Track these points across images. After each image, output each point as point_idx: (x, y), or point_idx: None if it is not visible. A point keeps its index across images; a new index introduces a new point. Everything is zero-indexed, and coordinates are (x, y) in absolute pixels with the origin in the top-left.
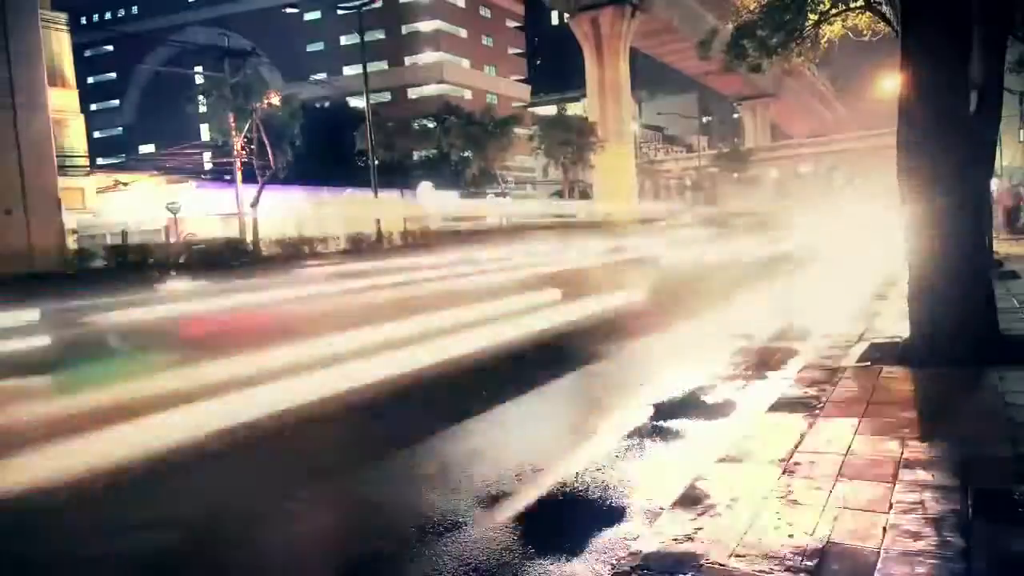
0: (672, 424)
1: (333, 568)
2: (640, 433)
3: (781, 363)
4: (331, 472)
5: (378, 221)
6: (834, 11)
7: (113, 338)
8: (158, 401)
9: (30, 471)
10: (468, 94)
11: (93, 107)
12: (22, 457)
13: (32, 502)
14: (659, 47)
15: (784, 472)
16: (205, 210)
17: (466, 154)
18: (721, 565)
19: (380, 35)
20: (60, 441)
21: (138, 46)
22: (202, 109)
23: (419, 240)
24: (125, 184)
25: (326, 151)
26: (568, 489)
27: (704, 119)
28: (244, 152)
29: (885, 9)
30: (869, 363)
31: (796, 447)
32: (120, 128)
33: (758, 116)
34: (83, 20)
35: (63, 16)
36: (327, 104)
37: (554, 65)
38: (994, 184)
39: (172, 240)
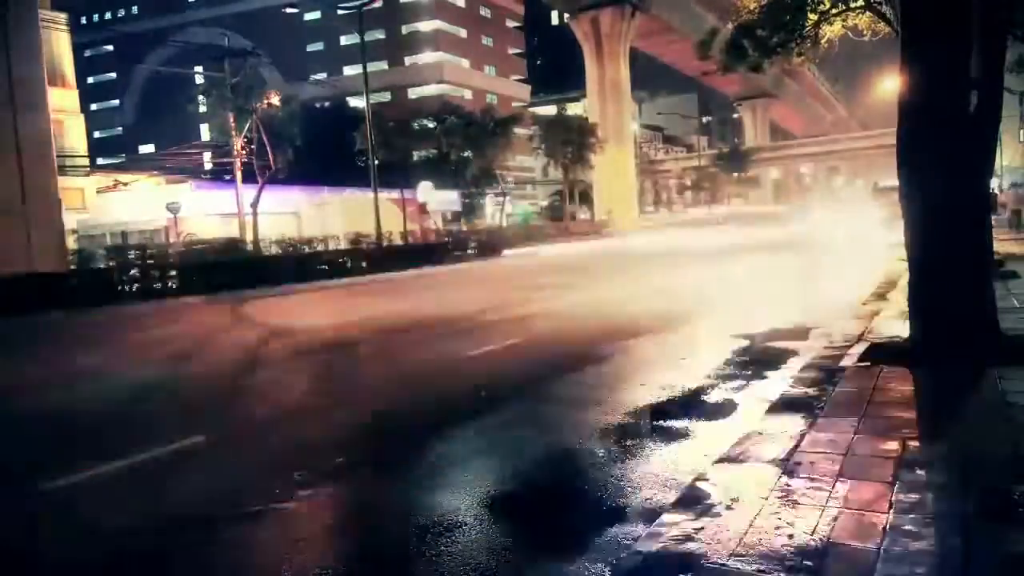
0: (672, 424)
1: None
2: (640, 433)
3: (781, 363)
4: None
5: (378, 221)
6: (834, 11)
7: None
8: None
9: None
10: (468, 94)
11: (93, 107)
12: None
13: None
14: (659, 47)
15: (784, 472)
16: (205, 210)
17: (466, 154)
18: (721, 565)
19: (380, 35)
20: None
21: (138, 46)
22: (202, 109)
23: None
24: (125, 184)
25: (326, 151)
26: (567, 488)
27: (704, 119)
28: (244, 152)
29: (885, 9)
30: (869, 363)
31: (796, 447)
32: (120, 128)
33: (758, 116)
34: (83, 20)
35: (63, 16)
36: (327, 104)
37: (554, 65)
38: (994, 185)
39: (172, 240)
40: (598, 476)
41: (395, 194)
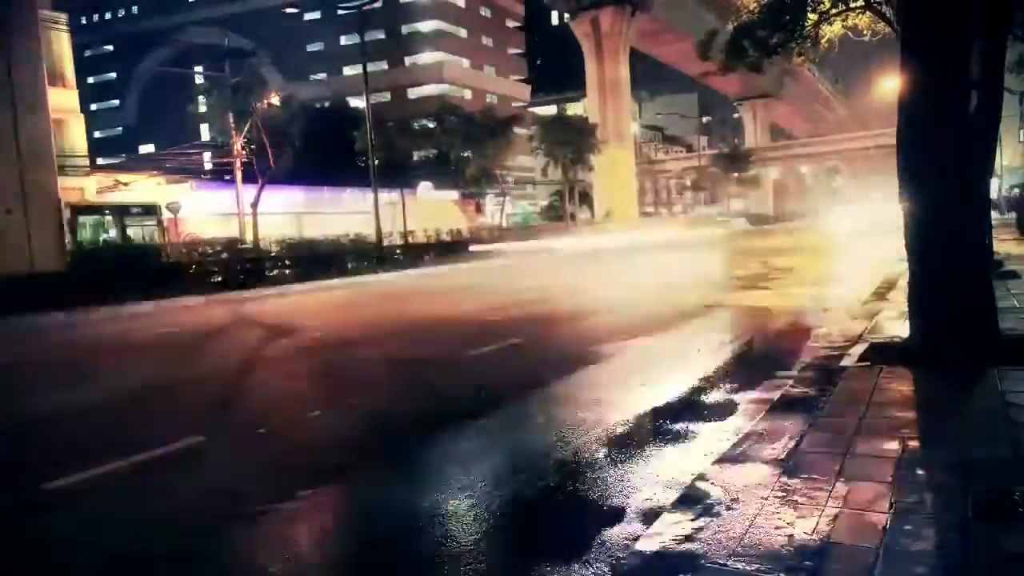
0: (672, 424)
1: None
2: (640, 433)
3: (781, 363)
4: None
5: (377, 223)
6: (834, 11)
7: None
8: None
9: None
10: (468, 94)
11: (93, 107)
12: None
13: None
14: (659, 47)
15: (784, 472)
16: (205, 210)
17: (466, 154)
18: (721, 565)
19: (380, 35)
20: None
21: (138, 46)
22: (202, 109)
23: None
24: (125, 184)
25: (326, 151)
26: (568, 489)
27: (704, 119)
28: (244, 152)
29: (885, 9)
30: (869, 363)
31: (796, 447)
32: (120, 128)
33: (758, 116)
34: (83, 20)
35: (63, 16)
36: (327, 104)
37: (554, 65)
38: (994, 185)
39: (172, 240)
40: (598, 474)
41: (395, 194)
